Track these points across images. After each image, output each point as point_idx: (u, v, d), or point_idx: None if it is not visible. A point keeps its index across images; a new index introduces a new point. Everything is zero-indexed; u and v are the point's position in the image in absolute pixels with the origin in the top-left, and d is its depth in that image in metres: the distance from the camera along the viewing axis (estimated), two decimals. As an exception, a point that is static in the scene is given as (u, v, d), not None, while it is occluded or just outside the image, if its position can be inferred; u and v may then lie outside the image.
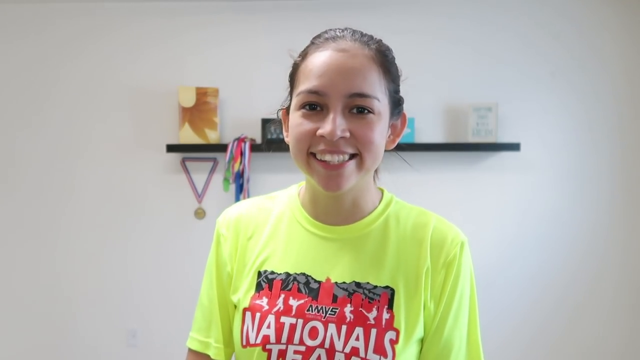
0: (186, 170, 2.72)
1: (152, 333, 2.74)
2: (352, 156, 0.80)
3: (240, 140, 2.58)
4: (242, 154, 2.57)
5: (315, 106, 0.80)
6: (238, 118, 2.70)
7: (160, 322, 2.73)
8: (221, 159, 2.69)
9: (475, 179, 2.68)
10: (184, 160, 2.72)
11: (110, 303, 2.74)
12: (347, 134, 0.78)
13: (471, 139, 2.58)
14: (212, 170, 2.72)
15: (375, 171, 0.96)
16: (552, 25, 2.64)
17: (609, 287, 2.69)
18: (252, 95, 2.64)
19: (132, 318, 2.74)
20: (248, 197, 2.58)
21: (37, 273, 2.75)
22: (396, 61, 0.87)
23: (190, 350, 0.93)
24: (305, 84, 0.80)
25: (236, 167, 2.56)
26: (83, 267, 2.74)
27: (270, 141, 2.59)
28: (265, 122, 2.59)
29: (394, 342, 0.79)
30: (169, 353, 2.59)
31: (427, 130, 2.67)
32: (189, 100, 2.62)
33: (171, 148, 2.63)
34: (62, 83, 2.72)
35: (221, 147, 2.61)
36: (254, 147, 2.59)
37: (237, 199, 2.61)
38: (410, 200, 0.93)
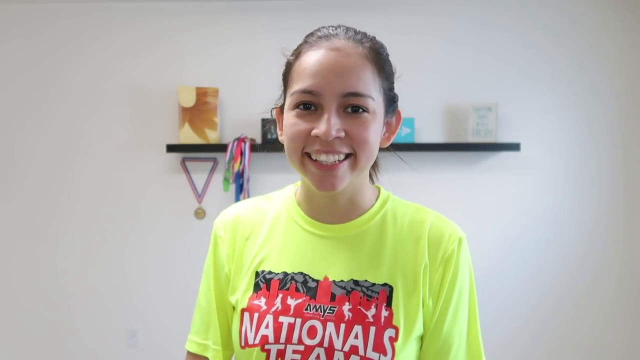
0: (186, 170, 2.72)
1: (152, 333, 2.74)
2: (346, 156, 0.80)
3: (240, 140, 2.58)
4: (242, 154, 2.57)
5: (309, 106, 0.79)
6: (238, 118, 2.70)
7: (160, 322, 2.73)
8: (221, 159, 2.69)
9: (475, 179, 2.67)
10: (184, 160, 2.72)
11: (110, 303, 2.74)
12: (342, 134, 0.78)
13: (471, 139, 2.58)
14: (212, 170, 2.72)
15: (376, 171, 0.96)
16: (552, 25, 2.64)
17: (609, 287, 2.68)
18: (252, 95, 2.64)
19: (132, 318, 2.74)
20: (248, 197, 2.58)
21: (36, 273, 2.75)
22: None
23: (189, 352, 0.93)
24: (299, 84, 0.80)
25: (236, 167, 2.56)
26: (83, 267, 2.74)
27: (268, 141, 2.59)
28: (265, 122, 2.59)
29: (393, 340, 0.79)
30: (169, 353, 2.59)
31: (427, 130, 2.67)
32: (189, 100, 2.62)
33: (171, 148, 2.63)
34: (61, 83, 2.72)
35: (221, 147, 2.61)
36: (254, 147, 2.59)
37: (237, 199, 2.61)
38: (409, 201, 0.92)
